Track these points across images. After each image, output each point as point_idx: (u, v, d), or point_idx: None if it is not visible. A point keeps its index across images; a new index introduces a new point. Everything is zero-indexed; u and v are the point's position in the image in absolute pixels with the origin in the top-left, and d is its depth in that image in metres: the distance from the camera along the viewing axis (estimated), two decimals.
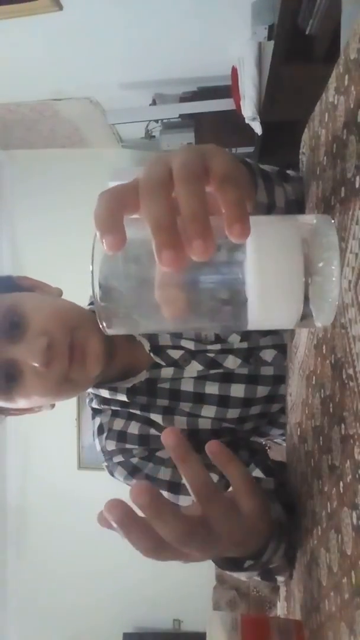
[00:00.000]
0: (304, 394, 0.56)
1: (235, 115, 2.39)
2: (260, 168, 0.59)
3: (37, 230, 3.36)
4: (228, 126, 2.57)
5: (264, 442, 0.93)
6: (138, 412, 0.81)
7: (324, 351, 0.47)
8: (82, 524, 3.34)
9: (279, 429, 0.85)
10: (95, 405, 0.86)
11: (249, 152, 2.61)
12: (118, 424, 0.83)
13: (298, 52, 1.86)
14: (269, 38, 2.14)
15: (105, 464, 0.84)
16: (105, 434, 0.83)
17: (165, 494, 0.77)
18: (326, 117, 0.47)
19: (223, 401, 0.79)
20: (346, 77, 0.41)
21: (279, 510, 0.56)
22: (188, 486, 0.45)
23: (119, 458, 0.81)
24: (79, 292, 0.85)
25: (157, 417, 0.80)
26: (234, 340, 0.79)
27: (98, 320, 0.37)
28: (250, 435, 0.85)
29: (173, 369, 0.79)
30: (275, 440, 0.91)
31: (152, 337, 0.79)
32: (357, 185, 0.38)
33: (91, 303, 0.85)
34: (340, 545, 0.41)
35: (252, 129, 2.33)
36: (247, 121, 2.29)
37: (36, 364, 0.68)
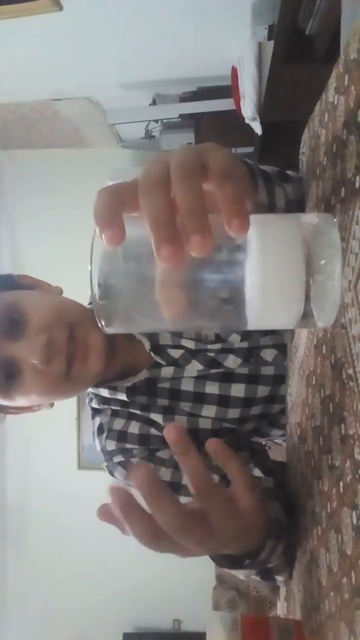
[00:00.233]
0: (304, 394, 0.56)
1: (235, 115, 2.39)
2: (260, 168, 0.59)
3: (37, 230, 3.36)
4: (228, 126, 2.57)
5: (264, 443, 0.93)
6: (138, 411, 0.81)
7: (324, 351, 0.47)
8: (82, 524, 3.35)
9: (279, 429, 0.85)
10: (95, 405, 0.86)
11: (249, 152, 2.61)
12: (118, 423, 0.83)
13: (298, 52, 1.87)
14: (269, 38, 2.14)
15: (105, 464, 0.84)
16: (105, 434, 0.83)
17: None
18: (326, 117, 0.47)
19: (223, 401, 0.79)
20: (346, 77, 0.41)
21: (277, 509, 0.56)
22: (187, 479, 0.46)
23: (119, 458, 0.81)
24: (79, 292, 0.85)
25: (157, 417, 0.80)
26: (235, 339, 0.79)
27: (97, 319, 0.37)
28: (250, 435, 0.85)
29: (173, 368, 0.79)
30: (275, 440, 0.91)
31: (152, 337, 0.79)
32: (357, 185, 0.38)
33: (91, 302, 0.85)
34: (340, 545, 0.41)
35: (252, 129, 2.33)
36: (247, 121, 2.29)
37: (36, 362, 0.68)
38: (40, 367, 0.68)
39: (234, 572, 0.58)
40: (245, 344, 0.79)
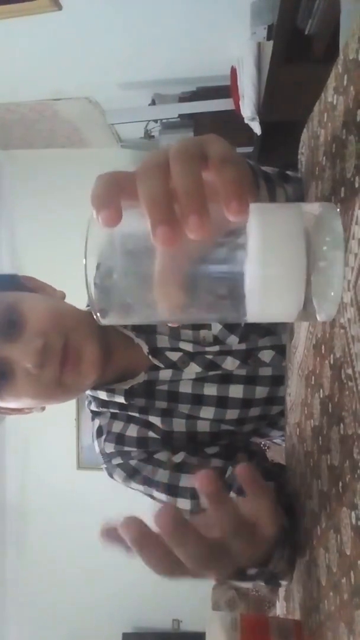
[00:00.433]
0: (303, 394, 0.56)
1: (234, 115, 2.39)
2: (261, 169, 0.59)
3: (36, 229, 3.36)
4: (227, 126, 2.57)
5: (262, 443, 0.93)
6: (136, 414, 0.81)
7: (323, 351, 0.47)
8: (82, 524, 3.34)
9: (279, 430, 0.85)
10: (93, 407, 0.86)
11: (248, 152, 2.61)
12: (117, 426, 0.83)
13: (297, 52, 1.87)
14: (268, 38, 2.14)
15: (105, 466, 0.84)
16: (104, 436, 0.83)
17: (163, 496, 0.77)
18: (325, 117, 0.47)
19: (221, 402, 0.79)
20: (345, 77, 0.41)
21: (282, 515, 0.56)
22: (217, 522, 0.44)
23: (117, 460, 0.81)
24: (78, 292, 0.85)
25: (155, 420, 0.80)
26: (233, 341, 0.79)
27: (92, 311, 0.37)
28: (249, 437, 0.85)
29: (171, 371, 0.79)
30: (274, 440, 0.91)
31: (150, 339, 0.79)
32: (356, 185, 0.38)
33: (89, 305, 0.85)
34: (339, 546, 0.41)
35: (251, 129, 2.33)
36: (246, 121, 2.29)
37: (29, 365, 0.68)
38: (33, 371, 0.68)
39: (243, 584, 0.58)
40: (243, 346, 0.79)
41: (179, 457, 0.78)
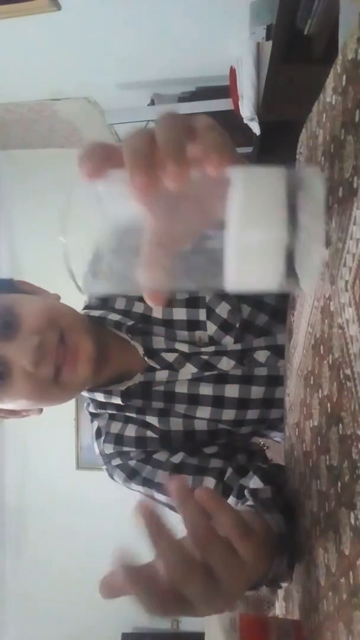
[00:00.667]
0: (302, 394, 0.56)
1: (233, 116, 2.39)
2: None
3: (35, 230, 3.35)
4: (226, 126, 2.50)
5: (261, 443, 0.93)
6: (134, 415, 0.81)
7: (322, 351, 0.47)
8: (81, 524, 3.36)
9: (279, 432, 0.85)
10: (92, 409, 0.86)
11: (248, 153, 2.61)
12: (115, 427, 0.83)
13: (296, 52, 1.87)
14: (267, 38, 2.14)
15: (105, 467, 0.84)
16: (103, 438, 0.84)
17: (163, 497, 0.77)
18: (324, 117, 0.47)
19: (217, 402, 0.79)
20: (344, 77, 0.41)
21: (279, 519, 0.55)
22: (186, 530, 0.44)
23: (117, 461, 0.82)
24: (77, 293, 0.85)
25: (152, 420, 0.80)
26: (228, 342, 0.79)
27: (73, 280, 0.36)
28: (248, 438, 0.85)
29: (167, 371, 0.79)
30: (275, 439, 0.91)
31: (145, 341, 0.79)
32: (354, 186, 0.38)
33: (86, 307, 0.86)
34: (338, 546, 0.41)
35: (250, 129, 2.33)
36: (245, 121, 2.29)
37: (26, 363, 0.68)
38: (30, 369, 0.69)
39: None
40: (238, 346, 0.79)
41: (177, 458, 0.78)
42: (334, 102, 0.44)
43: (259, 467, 0.71)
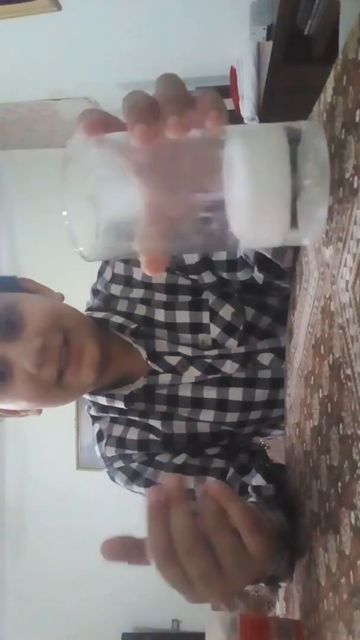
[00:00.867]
0: (302, 394, 0.56)
1: (233, 116, 2.39)
2: None
3: (36, 230, 3.36)
4: None
5: (262, 443, 0.93)
6: (137, 418, 0.81)
7: (322, 351, 0.47)
8: (81, 524, 3.35)
9: (279, 430, 0.85)
10: (93, 412, 0.86)
11: None
12: (117, 430, 0.83)
13: (297, 52, 1.86)
14: (268, 38, 2.14)
15: (106, 469, 0.84)
16: (104, 440, 0.83)
17: None
18: (324, 117, 0.47)
19: (221, 405, 0.79)
20: (344, 77, 0.41)
21: (280, 517, 0.55)
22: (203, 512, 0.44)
23: (119, 463, 0.81)
24: (77, 292, 0.85)
25: (155, 423, 0.80)
26: (231, 345, 0.79)
27: (73, 244, 0.35)
28: (250, 438, 0.85)
29: (171, 375, 0.79)
30: (277, 437, 0.91)
31: (148, 344, 0.79)
32: (355, 186, 0.38)
33: (88, 309, 0.85)
34: (338, 546, 0.41)
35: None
36: (245, 121, 2.29)
37: (28, 365, 0.67)
38: (32, 371, 0.68)
39: None
40: (242, 349, 0.79)
41: (180, 459, 0.78)
42: (334, 102, 0.44)
43: (262, 465, 0.72)
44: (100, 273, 0.85)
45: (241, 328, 0.78)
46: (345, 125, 0.41)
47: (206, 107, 0.33)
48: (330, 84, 0.45)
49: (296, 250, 0.60)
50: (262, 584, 0.58)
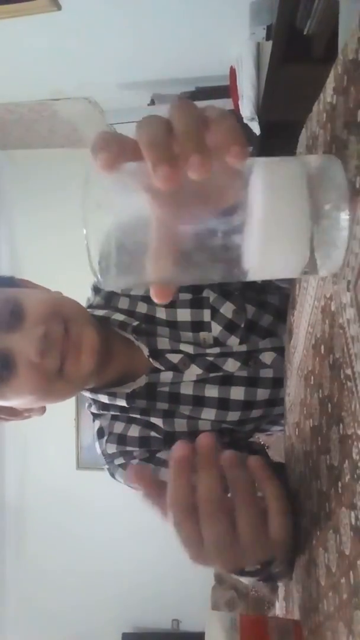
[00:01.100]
0: (302, 394, 0.56)
1: (233, 116, 2.39)
2: None
3: (36, 230, 3.36)
4: None
5: (262, 442, 0.93)
6: (138, 415, 0.81)
7: (322, 351, 0.47)
8: (81, 524, 3.36)
9: (279, 426, 0.85)
10: (94, 410, 0.86)
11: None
12: (118, 427, 0.83)
13: (296, 52, 1.86)
14: (267, 38, 2.15)
15: (107, 466, 0.84)
16: (105, 437, 0.83)
17: None
18: (324, 117, 0.47)
19: (223, 404, 0.79)
20: (345, 77, 0.41)
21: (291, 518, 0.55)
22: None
23: (119, 460, 0.81)
24: (78, 292, 0.85)
25: (157, 421, 0.80)
26: (233, 343, 0.79)
27: (93, 273, 0.35)
28: (250, 434, 0.85)
29: (172, 373, 0.79)
30: (277, 432, 0.91)
31: (150, 342, 0.79)
32: (357, 186, 0.38)
33: (89, 307, 0.86)
34: (338, 546, 0.41)
35: (250, 129, 2.33)
36: (245, 121, 2.30)
37: (31, 353, 0.67)
38: (35, 360, 0.68)
39: (241, 578, 0.57)
40: (244, 348, 0.79)
41: None
42: (334, 102, 0.44)
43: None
44: None
45: (242, 326, 0.78)
46: (347, 126, 0.41)
47: (226, 140, 0.32)
48: (330, 83, 0.45)
49: None
50: (260, 581, 0.59)
